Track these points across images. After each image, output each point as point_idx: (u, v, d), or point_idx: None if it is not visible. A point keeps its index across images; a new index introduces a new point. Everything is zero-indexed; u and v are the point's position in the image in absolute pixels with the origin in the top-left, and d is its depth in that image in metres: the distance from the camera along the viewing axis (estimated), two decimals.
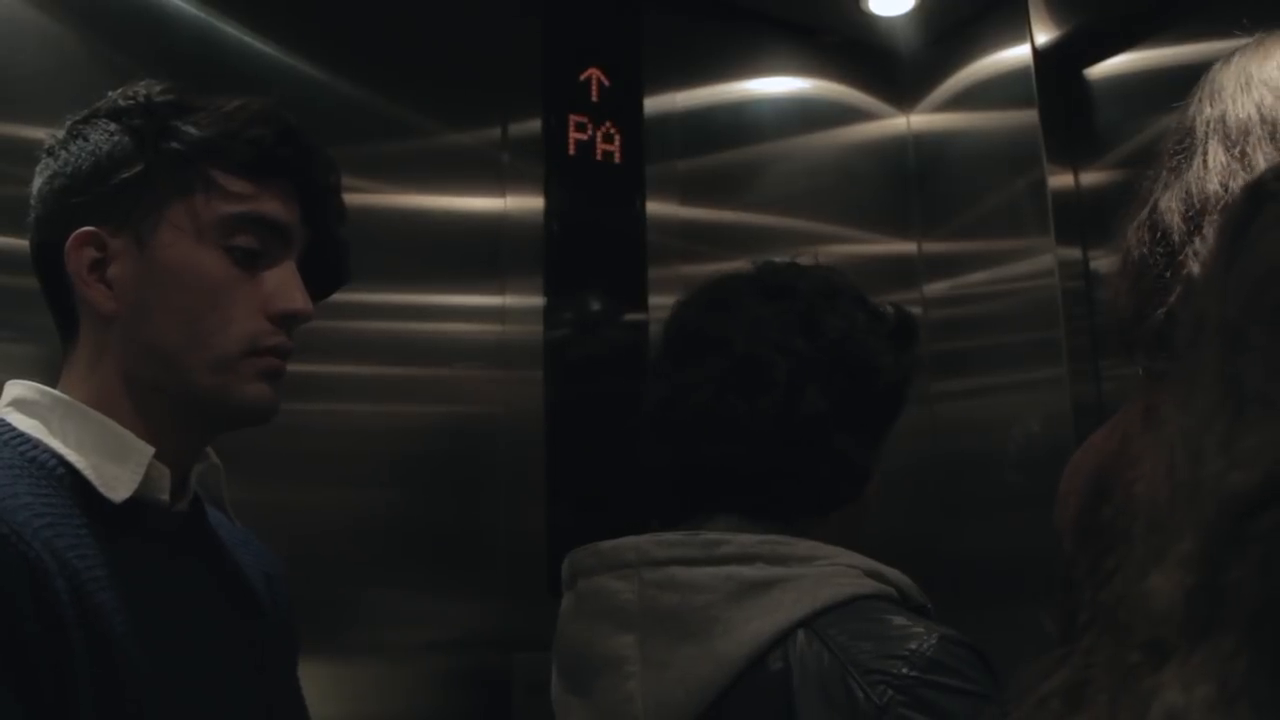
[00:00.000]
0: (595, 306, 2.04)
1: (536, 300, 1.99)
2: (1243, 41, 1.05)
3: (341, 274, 1.14)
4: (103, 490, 0.92)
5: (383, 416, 1.83)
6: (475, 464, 1.89)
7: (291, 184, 1.04)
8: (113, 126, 1.00)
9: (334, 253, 1.11)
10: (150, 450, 0.95)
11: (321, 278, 1.09)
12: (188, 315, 0.98)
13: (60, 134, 1.03)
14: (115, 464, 0.94)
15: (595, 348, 2.01)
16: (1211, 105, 1.00)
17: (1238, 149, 0.97)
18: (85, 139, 1.00)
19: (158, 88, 1.03)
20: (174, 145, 0.99)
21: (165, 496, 0.98)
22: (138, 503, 0.94)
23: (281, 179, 1.03)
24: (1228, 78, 1.01)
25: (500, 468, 1.90)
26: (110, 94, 1.04)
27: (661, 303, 2.06)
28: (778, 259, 1.20)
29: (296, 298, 1.02)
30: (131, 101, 1.02)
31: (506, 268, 1.98)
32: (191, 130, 0.99)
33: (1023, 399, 2.14)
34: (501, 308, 1.97)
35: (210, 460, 1.06)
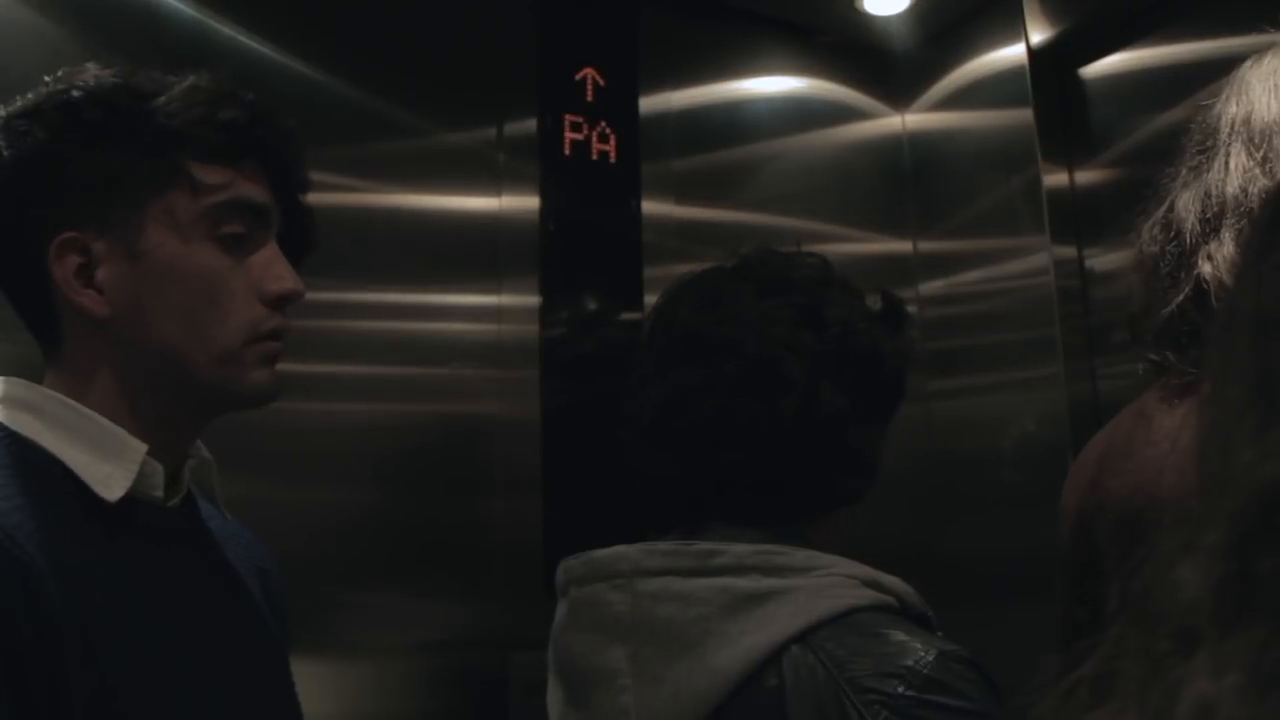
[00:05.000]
0: (591, 306, 2.04)
1: (533, 300, 1.99)
2: (1273, 38, 1.03)
3: (312, 239, 1.11)
4: (97, 489, 0.91)
5: (379, 416, 1.82)
6: (471, 463, 1.89)
7: (261, 161, 1.02)
8: (67, 121, 0.95)
9: (301, 221, 1.08)
10: (143, 447, 0.94)
11: (293, 248, 1.07)
12: (188, 312, 0.96)
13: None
14: (109, 462, 0.92)
15: (591, 347, 2.01)
16: (1237, 105, 0.99)
17: (1261, 152, 0.95)
18: (35, 137, 0.95)
19: (107, 73, 0.98)
20: (146, 139, 0.96)
21: (159, 493, 0.97)
22: (132, 500, 0.93)
23: (253, 158, 1.01)
24: (1256, 77, 0.99)
25: (496, 467, 1.90)
26: (50, 80, 0.99)
27: None
28: (759, 249, 1.16)
29: (288, 277, 1.01)
30: (82, 92, 0.96)
31: (503, 267, 1.98)
32: (162, 121, 0.96)
33: (1018, 398, 2.14)
34: (498, 307, 1.97)
35: (202, 455, 1.05)
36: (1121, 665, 0.51)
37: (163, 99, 0.97)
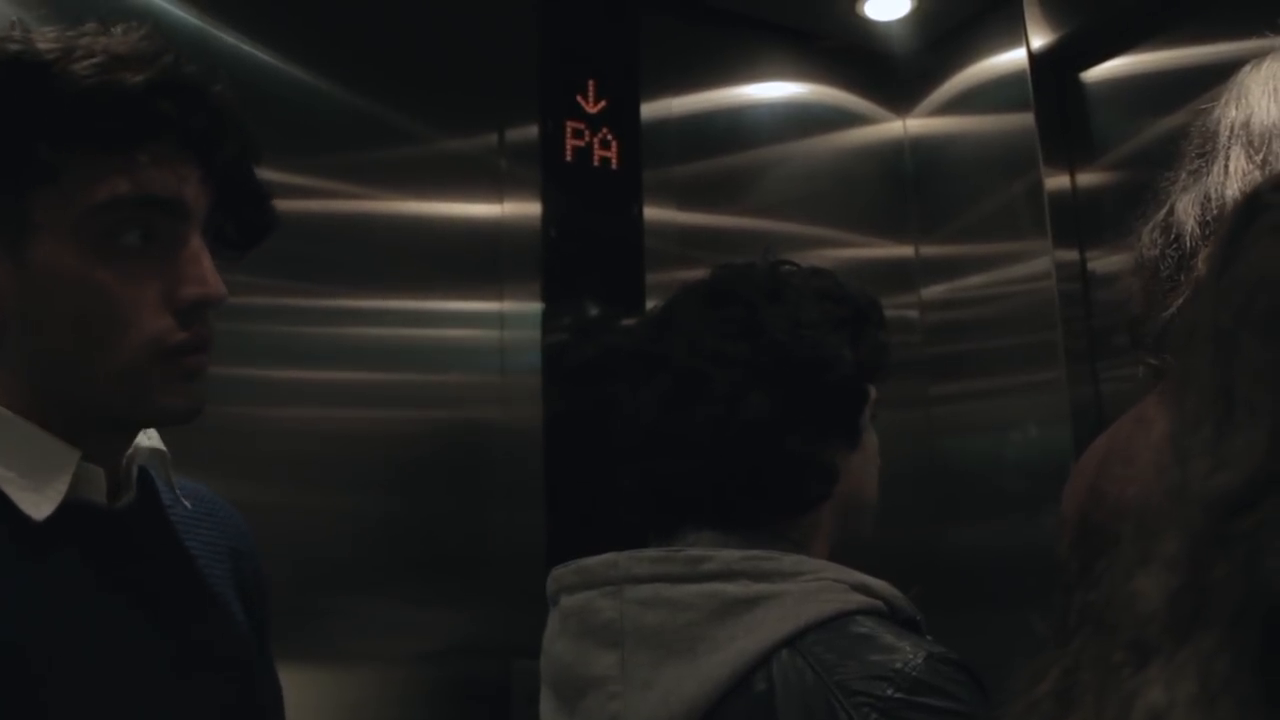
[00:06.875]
0: (593, 312, 2.04)
1: (534, 306, 1.99)
2: (1273, 43, 1.03)
3: (267, 220, 0.96)
4: (23, 507, 0.82)
5: (381, 422, 1.83)
6: (473, 470, 1.89)
7: (178, 140, 0.85)
8: None
9: (252, 199, 0.94)
10: (76, 454, 0.85)
11: (245, 230, 0.95)
12: (79, 327, 0.84)
13: None
14: (38, 474, 0.84)
15: (593, 353, 2.02)
16: (1237, 108, 0.99)
17: (1260, 155, 0.95)
18: None
19: (11, 39, 0.83)
20: (21, 129, 0.81)
21: (102, 498, 0.88)
22: (71, 508, 0.85)
23: (163, 137, 0.84)
24: (1255, 81, 0.99)
25: (498, 473, 1.90)
26: None
27: None
28: (736, 261, 1.18)
29: (207, 280, 0.86)
30: None
31: (504, 274, 1.98)
32: (40, 109, 0.81)
33: (1020, 402, 2.14)
34: (500, 313, 1.97)
35: (153, 445, 0.95)
36: (1081, 677, 0.51)
37: (53, 68, 0.81)
